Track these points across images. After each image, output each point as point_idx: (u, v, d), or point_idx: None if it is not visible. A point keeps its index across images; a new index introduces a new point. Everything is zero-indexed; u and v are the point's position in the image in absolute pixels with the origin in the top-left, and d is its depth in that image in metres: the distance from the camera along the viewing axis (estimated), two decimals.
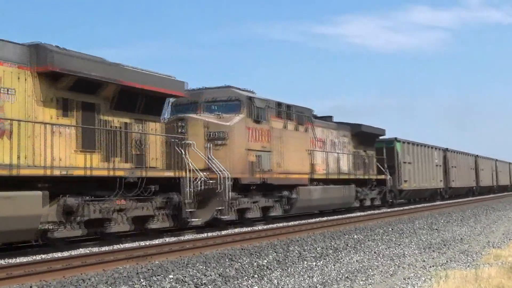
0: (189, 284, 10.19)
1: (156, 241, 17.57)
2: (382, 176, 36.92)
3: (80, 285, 10.12)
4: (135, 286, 9.97)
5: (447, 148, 53.00)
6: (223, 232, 20.13)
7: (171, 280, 10.51)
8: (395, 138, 40.98)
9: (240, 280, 10.75)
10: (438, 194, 50.08)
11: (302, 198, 26.11)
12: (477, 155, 66.22)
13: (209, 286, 10.09)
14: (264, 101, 24.22)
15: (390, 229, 20.82)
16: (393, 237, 18.25)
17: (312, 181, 27.82)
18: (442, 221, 24.35)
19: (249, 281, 10.65)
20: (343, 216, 28.94)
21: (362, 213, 31.29)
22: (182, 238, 18.52)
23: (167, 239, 18.13)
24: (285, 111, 25.95)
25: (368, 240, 17.23)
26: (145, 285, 10.02)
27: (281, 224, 23.64)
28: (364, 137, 35.13)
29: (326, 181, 29.41)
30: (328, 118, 33.07)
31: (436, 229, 20.94)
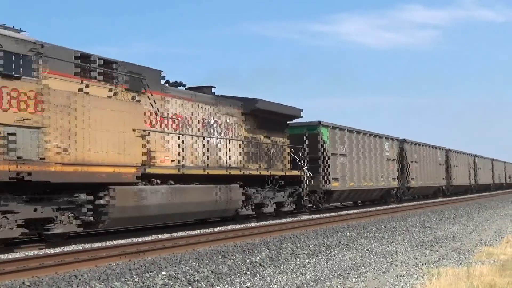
0: (181, 281, 10.19)
1: (149, 238, 17.56)
2: (295, 172, 27.89)
3: (72, 281, 10.10)
4: (128, 282, 9.96)
5: (405, 139, 45.32)
6: (216, 229, 20.12)
7: (164, 276, 10.51)
8: (320, 122, 30.76)
9: (232, 277, 10.76)
10: (392, 195, 41.01)
11: (122, 205, 17.22)
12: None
13: (202, 283, 10.09)
14: (30, 44, 15.16)
15: (382, 226, 20.87)
16: (386, 234, 18.30)
17: (149, 177, 18.96)
18: (434, 219, 24.42)
19: (242, 278, 10.66)
20: (336, 213, 28.92)
21: (355, 211, 31.27)
22: (174, 234, 18.50)
23: (160, 236, 18.11)
24: (88, 66, 17.21)
25: (361, 238, 17.26)
26: (138, 282, 10.01)
27: (274, 221, 23.64)
28: (266, 118, 26.02)
29: (186, 179, 20.70)
30: (205, 89, 24.03)
31: (428, 227, 21.00)
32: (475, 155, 67.55)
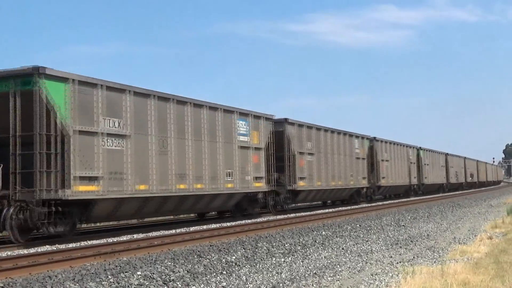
0: (157, 281, 10.14)
1: (124, 238, 17.46)
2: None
3: (46, 282, 10.01)
4: (103, 283, 9.89)
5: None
6: (191, 229, 20.06)
7: (139, 276, 10.45)
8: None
9: (208, 276, 10.74)
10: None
11: None
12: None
13: (178, 283, 10.05)
14: None
15: (358, 225, 20.96)
16: (361, 233, 18.38)
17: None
18: (409, 218, 24.59)
19: (218, 277, 10.64)
20: (311, 212, 29.02)
21: (331, 210, 31.35)
22: (150, 234, 18.42)
23: (135, 236, 18.01)
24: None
25: (336, 237, 17.33)
26: (113, 282, 9.94)
27: (249, 221, 23.64)
28: None
29: None
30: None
31: (403, 225, 21.14)
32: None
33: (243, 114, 25.77)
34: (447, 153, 67.24)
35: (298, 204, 33.87)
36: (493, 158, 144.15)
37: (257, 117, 26.84)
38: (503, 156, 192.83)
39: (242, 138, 25.45)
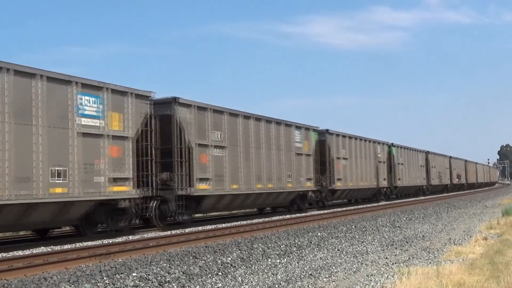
0: (152, 282, 10.13)
1: (119, 239, 17.45)
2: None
3: (42, 283, 9.99)
4: (98, 284, 9.88)
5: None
6: (187, 230, 20.06)
7: (135, 278, 10.44)
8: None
9: (204, 277, 10.73)
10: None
11: None
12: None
13: (173, 284, 10.05)
14: None
15: (353, 226, 20.97)
16: (356, 234, 18.39)
17: None
18: (404, 219, 24.61)
19: (213, 278, 10.64)
20: (307, 214, 29.05)
21: (326, 211, 31.42)
22: (145, 235, 18.40)
23: (131, 237, 18.00)
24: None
25: (332, 238, 17.33)
26: (109, 283, 9.93)
27: (244, 222, 23.64)
28: None
29: None
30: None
31: (398, 226, 21.16)
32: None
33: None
34: (428, 151, 60.08)
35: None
36: (488, 159, 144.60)
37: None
38: (498, 157, 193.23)
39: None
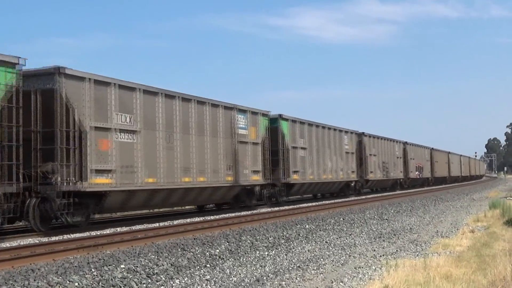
0: (141, 274, 10.12)
1: (107, 231, 17.40)
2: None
3: (29, 275, 9.95)
4: (86, 276, 9.85)
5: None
6: (175, 222, 20.04)
7: (123, 269, 10.42)
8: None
9: (192, 269, 10.73)
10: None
11: None
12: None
13: (161, 276, 10.04)
14: None
15: (341, 219, 21.02)
16: (344, 227, 18.44)
17: None
18: (392, 211, 24.69)
19: (202, 270, 10.64)
20: (295, 206, 29.03)
21: (314, 203, 31.34)
22: (133, 228, 18.37)
23: (118, 229, 17.96)
24: None
25: (320, 230, 17.37)
26: (96, 275, 9.90)
27: (233, 214, 23.63)
28: None
29: None
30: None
31: (386, 219, 21.24)
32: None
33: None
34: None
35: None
36: (476, 153, 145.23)
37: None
38: (485, 150, 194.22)
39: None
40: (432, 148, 67.27)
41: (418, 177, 59.56)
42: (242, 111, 26.39)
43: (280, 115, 30.08)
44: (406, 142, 56.02)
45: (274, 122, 29.62)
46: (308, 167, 33.05)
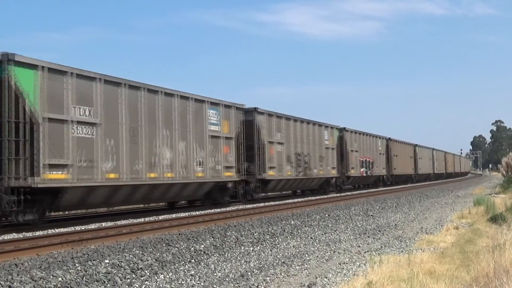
0: (125, 269, 10.09)
1: (92, 226, 17.34)
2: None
3: (12, 270, 9.89)
4: (70, 271, 9.81)
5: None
6: (160, 217, 20.00)
7: (107, 265, 10.39)
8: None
9: (177, 265, 10.72)
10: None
11: None
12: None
13: (146, 271, 10.02)
14: None
15: (326, 215, 21.07)
16: (330, 223, 18.48)
17: None
18: (377, 208, 24.78)
19: (186, 266, 10.63)
20: (281, 202, 29.02)
21: (299, 199, 31.37)
22: (118, 223, 18.32)
23: (103, 224, 17.90)
24: None
25: (305, 226, 17.40)
26: (81, 270, 9.87)
27: (218, 210, 23.61)
28: None
29: None
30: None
31: (371, 215, 21.31)
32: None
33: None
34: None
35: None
36: (461, 150, 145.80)
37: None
38: (471, 148, 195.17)
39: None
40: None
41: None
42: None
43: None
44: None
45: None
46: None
